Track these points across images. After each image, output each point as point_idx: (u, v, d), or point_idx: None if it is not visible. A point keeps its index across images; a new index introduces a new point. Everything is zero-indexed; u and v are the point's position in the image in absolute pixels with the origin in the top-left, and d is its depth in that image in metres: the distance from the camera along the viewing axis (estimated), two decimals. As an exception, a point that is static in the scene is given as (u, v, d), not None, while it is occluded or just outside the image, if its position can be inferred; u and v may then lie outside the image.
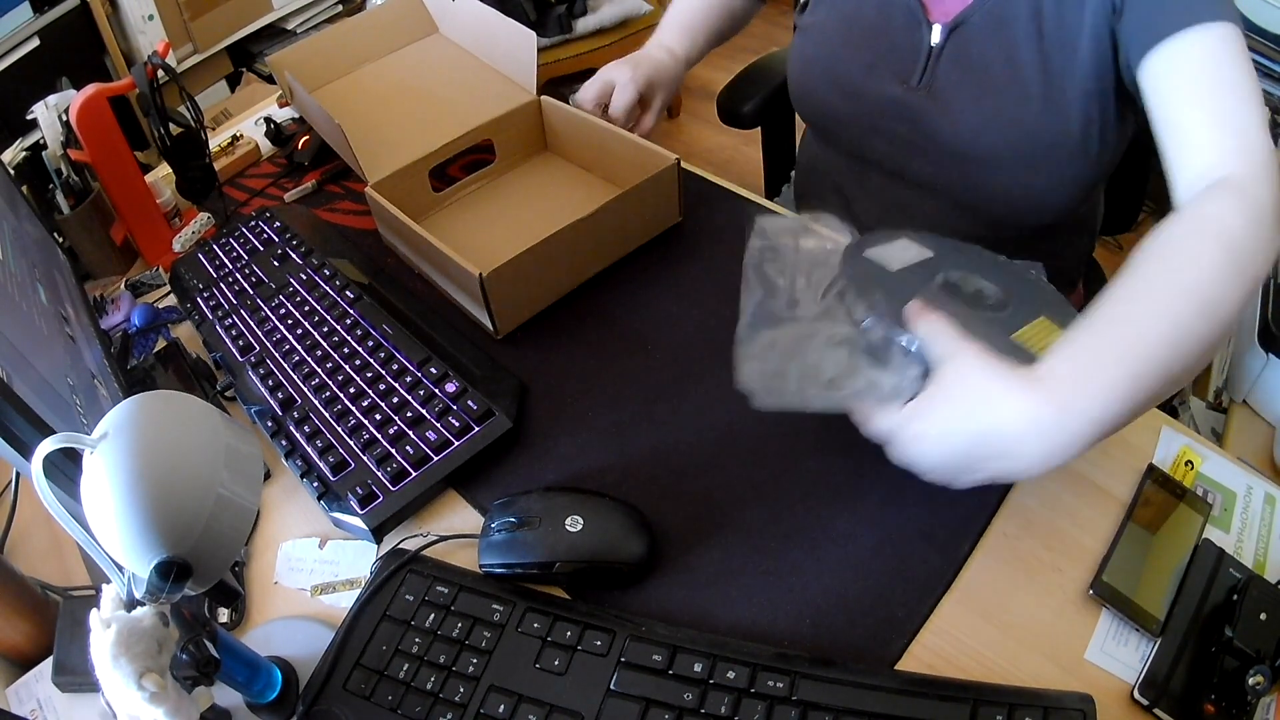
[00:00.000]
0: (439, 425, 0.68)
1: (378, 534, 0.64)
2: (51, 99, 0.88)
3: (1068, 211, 0.82)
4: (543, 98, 0.93)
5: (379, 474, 0.66)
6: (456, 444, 0.67)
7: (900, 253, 0.67)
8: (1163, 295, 0.52)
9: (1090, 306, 0.53)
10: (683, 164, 0.82)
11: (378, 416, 0.69)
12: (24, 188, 0.85)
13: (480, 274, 0.71)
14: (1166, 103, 0.63)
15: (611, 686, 0.53)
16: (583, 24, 2.08)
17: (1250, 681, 0.50)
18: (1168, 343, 0.50)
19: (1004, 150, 0.76)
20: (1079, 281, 1.00)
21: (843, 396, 0.57)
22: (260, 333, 0.79)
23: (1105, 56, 0.69)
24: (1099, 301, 0.53)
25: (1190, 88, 0.61)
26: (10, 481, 0.75)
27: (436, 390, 0.70)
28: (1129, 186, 0.77)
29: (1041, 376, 0.49)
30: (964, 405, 0.50)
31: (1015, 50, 0.72)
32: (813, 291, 0.68)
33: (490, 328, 0.77)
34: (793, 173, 1.14)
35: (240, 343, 0.78)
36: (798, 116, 0.96)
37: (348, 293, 0.81)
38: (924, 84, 0.77)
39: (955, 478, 0.53)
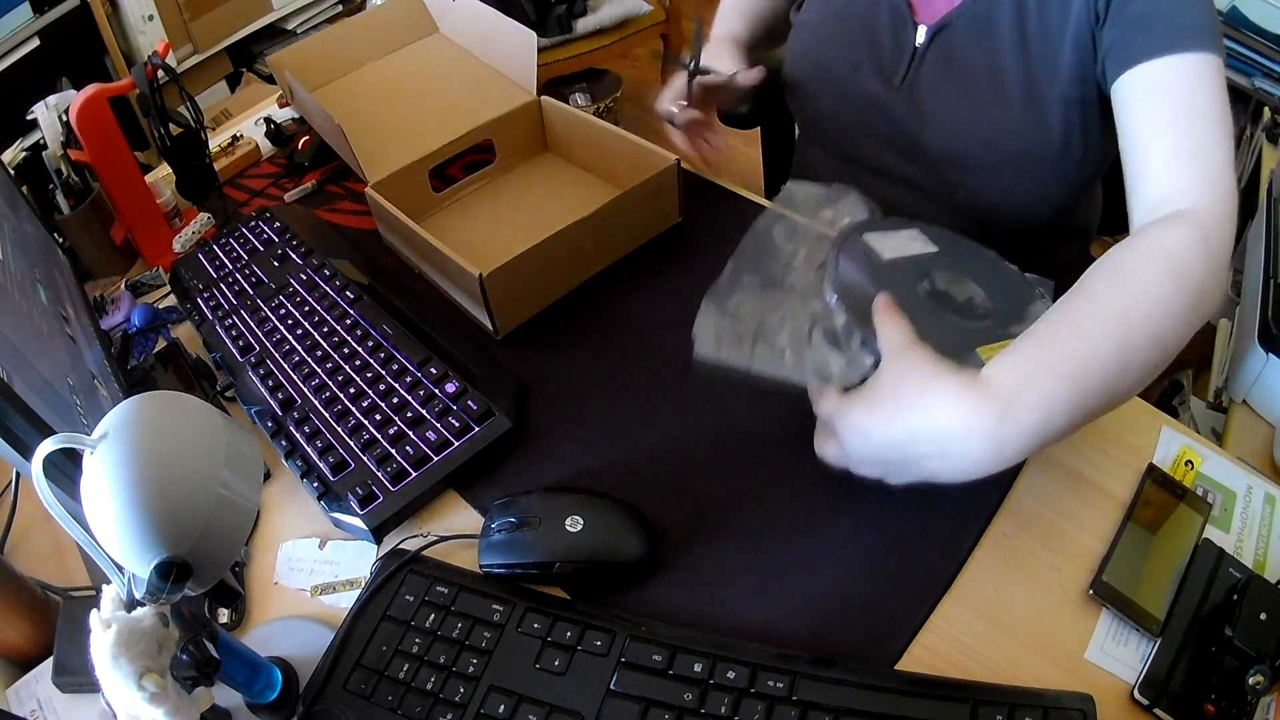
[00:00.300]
0: (439, 425, 0.68)
1: (378, 534, 0.64)
2: (51, 99, 0.88)
3: (1054, 215, 0.82)
4: (543, 98, 0.93)
5: (379, 474, 0.66)
6: (456, 444, 0.67)
7: (902, 243, 0.66)
8: (1116, 319, 0.52)
9: (1041, 318, 0.53)
10: (682, 164, 0.82)
11: (378, 417, 0.69)
12: (24, 188, 0.85)
13: (480, 274, 0.71)
14: (1138, 123, 0.62)
15: (611, 686, 0.53)
16: (583, 24, 2.08)
17: (1250, 681, 0.50)
18: (1115, 365, 0.50)
19: (982, 154, 0.76)
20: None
21: (789, 367, 0.58)
22: (260, 333, 0.79)
23: (1087, 63, 0.69)
24: (1050, 314, 0.53)
25: (1164, 113, 0.61)
26: (10, 481, 0.75)
27: (436, 390, 0.70)
28: (1124, 187, 0.77)
29: (985, 381, 0.49)
30: (905, 399, 0.51)
31: (997, 55, 0.72)
32: (809, 264, 0.68)
33: (490, 328, 0.77)
34: (790, 172, 1.14)
35: (240, 343, 0.78)
36: None
37: (348, 293, 0.81)
38: (906, 85, 0.77)
39: (887, 474, 0.53)
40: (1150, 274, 0.53)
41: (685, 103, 0.83)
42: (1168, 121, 0.61)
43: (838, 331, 0.60)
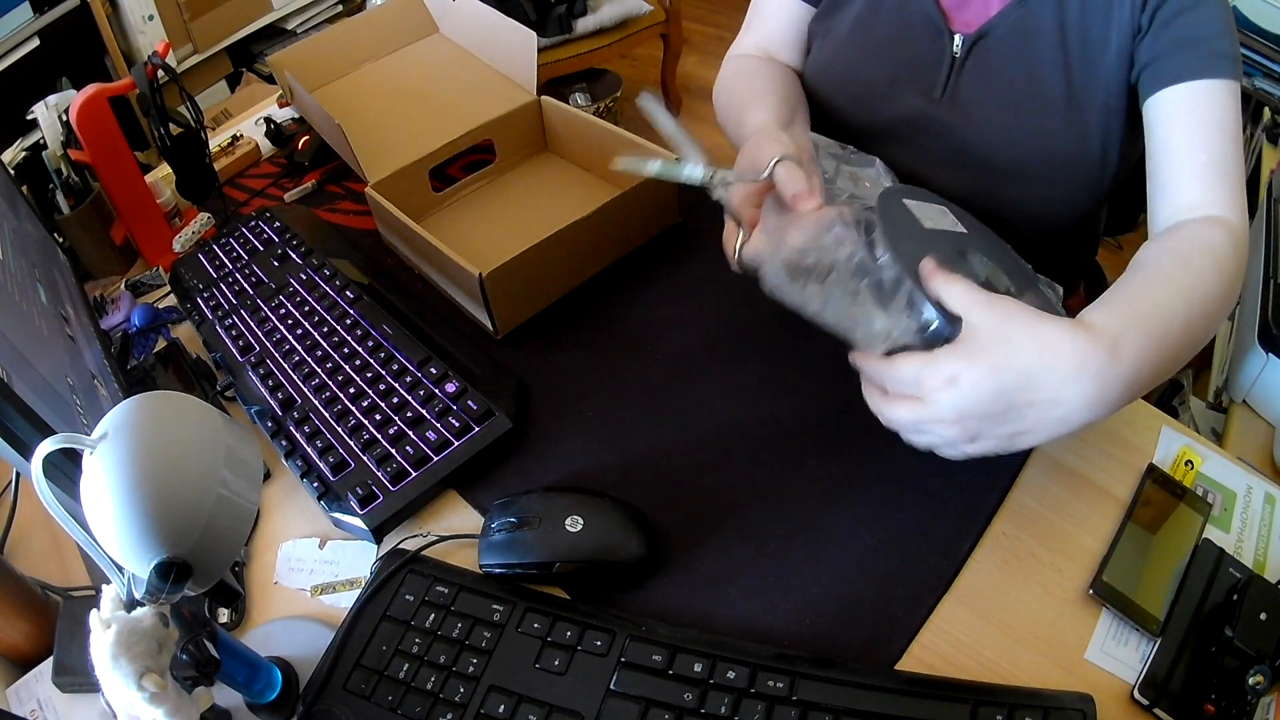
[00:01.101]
0: (439, 425, 0.68)
1: (378, 534, 0.64)
2: (51, 99, 0.88)
3: (1081, 221, 0.82)
4: (543, 98, 0.93)
5: (379, 474, 0.66)
6: (456, 444, 0.67)
7: (937, 216, 0.65)
8: (1184, 293, 0.57)
9: (1116, 285, 0.58)
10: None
11: (378, 416, 0.69)
12: (24, 188, 0.85)
13: (480, 274, 0.71)
14: (1174, 136, 0.66)
15: (611, 686, 0.53)
16: (582, 24, 2.08)
17: (1250, 681, 0.50)
18: (1183, 333, 0.55)
19: (1026, 162, 0.75)
20: (1080, 285, 1.00)
21: (837, 314, 0.56)
22: (260, 333, 0.79)
23: (1126, 73, 0.70)
24: (1125, 282, 0.58)
25: (1199, 130, 0.65)
26: (10, 481, 0.75)
27: (436, 390, 0.70)
28: (1130, 189, 0.77)
29: (1089, 323, 0.52)
30: (1014, 343, 0.50)
31: (1037, 63, 0.72)
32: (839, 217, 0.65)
33: (490, 328, 0.77)
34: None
35: (240, 343, 0.78)
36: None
37: (348, 293, 0.81)
38: (947, 96, 0.76)
39: (977, 432, 0.52)
40: (1203, 262, 0.60)
41: (739, 227, 0.63)
42: (1202, 139, 0.65)
43: (884, 289, 0.57)
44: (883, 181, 0.69)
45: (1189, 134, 0.66)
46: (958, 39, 0.75)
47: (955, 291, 0.53)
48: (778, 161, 0.60)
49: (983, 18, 0.73)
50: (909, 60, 0.78)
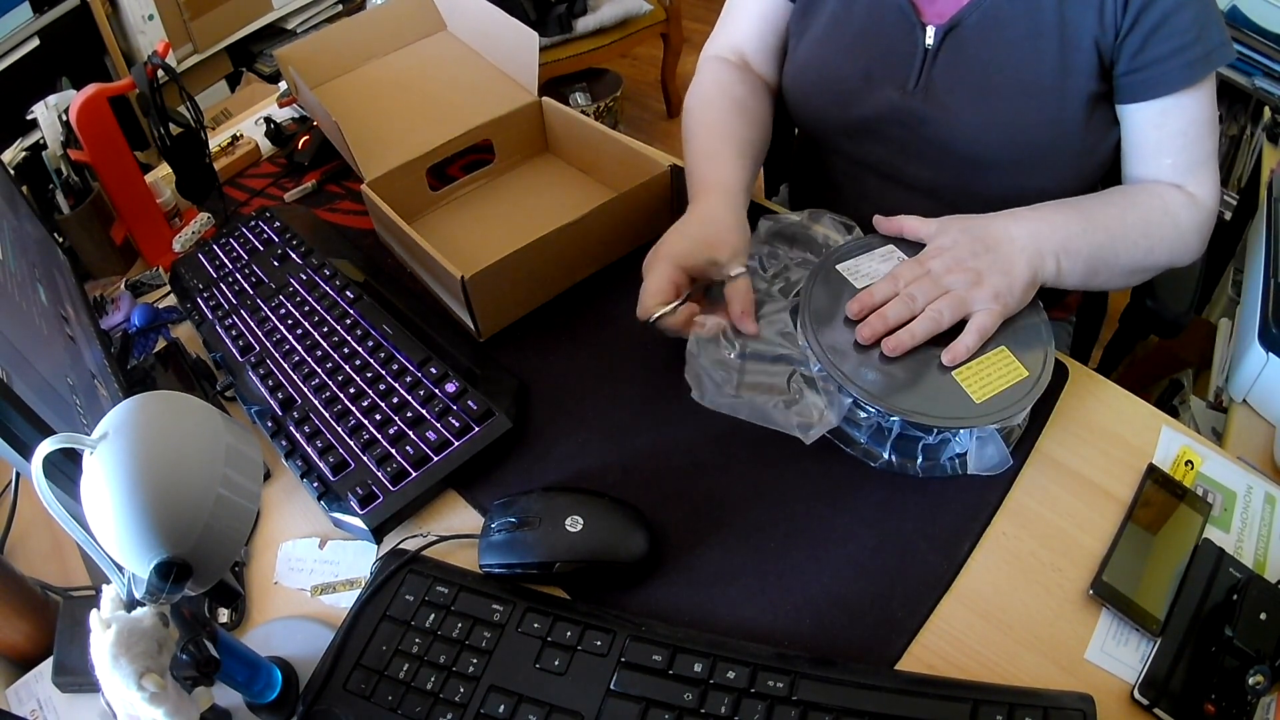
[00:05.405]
0: (439, 425, 0.68)
1: (378, 534, 0.64)
2: (51, 99, 0.88)
3: None
4: (544, 99, 0.93)
5: (379, 474, 0.66)
6: (456, 444, 0.67)
7: (877, 264, 0.68)
8: (1115, 215, 0.69)
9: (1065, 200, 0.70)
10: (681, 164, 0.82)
11: (378, 416, 0.69)
12: (24, 188, 0.85)
13: (462, 277, 0.70)
14: (1153, 140, 0.72)
15: (611, 686, 0.53)
16: (583, 23, 2.08)
17: (1250, 681, 0.50)
18: (1102, 238, 0.68)
19: (1003, 152, 0.75)
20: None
21: (775, 414, 0.62)
22: (260, 333, 0.79)
23: (1105, 63, 0.70)
24: (1068, 199, 0.70)
25: (1177, 133, 0.71)
26: (10, 481, 0.75)
27: (436, 390, 0.70)
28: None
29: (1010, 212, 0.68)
30: (968, 215, 0.68)
31: (1010, 52, 0.72)
32: (785, 295, 0.69)
33: (473, 330, 0.77)
34: (790, 173, 1.14)
35: (240, 343, 0.78)
36: None
37: (348, 293, 0.81)
38: (920, 88, 0.76)
39: (978, 269, 0.64)
40: (1151, 205, 0.71)
41: (675, 301, 0.67)
42: (1182, 139, 0.71)
43: (814, 376, 0.63)
44: (833, 236, 0.73)
45: (1167, 134, 0.71)
46: (930, 30, 0.74)
47: (914, 226, 0.68)
48: (737, 275, 0.68)
49: (954, 7, 0.73)
50: (883, 54, 0.78)
